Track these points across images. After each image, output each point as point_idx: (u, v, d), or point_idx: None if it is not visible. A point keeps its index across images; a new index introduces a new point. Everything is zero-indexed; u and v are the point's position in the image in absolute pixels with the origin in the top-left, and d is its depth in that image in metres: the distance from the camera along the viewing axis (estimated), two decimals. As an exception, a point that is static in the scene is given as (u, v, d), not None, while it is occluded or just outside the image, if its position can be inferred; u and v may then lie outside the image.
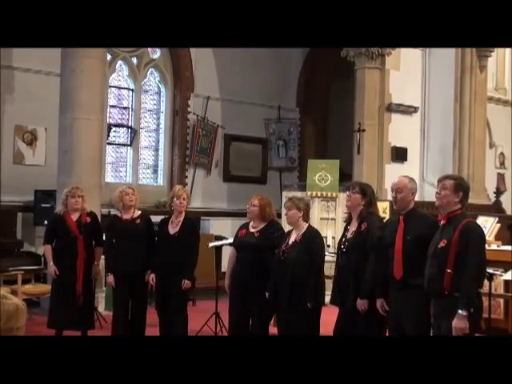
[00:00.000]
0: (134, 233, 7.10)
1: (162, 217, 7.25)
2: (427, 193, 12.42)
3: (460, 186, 4.83)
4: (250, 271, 6.21)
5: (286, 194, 10.87)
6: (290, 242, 6.00)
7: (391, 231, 5.19)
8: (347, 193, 5.71)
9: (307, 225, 6.07)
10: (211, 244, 9.01)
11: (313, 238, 5.97)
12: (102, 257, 7.63)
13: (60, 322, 7.31)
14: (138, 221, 7.19)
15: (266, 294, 6.08)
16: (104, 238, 7.51)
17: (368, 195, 5.61)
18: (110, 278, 7.19)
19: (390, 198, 11.71)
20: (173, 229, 6.88)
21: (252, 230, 6.39)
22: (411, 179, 5.33)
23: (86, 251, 7.32)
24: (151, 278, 6.95)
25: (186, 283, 6.69)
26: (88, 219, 7.40)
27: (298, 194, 9.48)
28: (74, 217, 7.36)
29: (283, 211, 10.65)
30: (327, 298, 6.08)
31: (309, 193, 10.60)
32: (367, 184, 6.07)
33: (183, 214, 6.91)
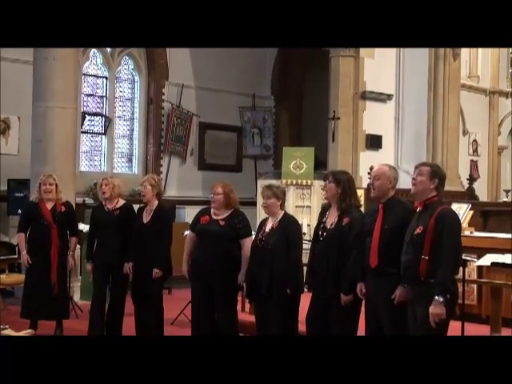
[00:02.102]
0: (111, 223, 7.04)
1: (137, 206, 7.21)
2: (402, 180, 12.44)
3: (436, 173, 4.86)
4: (214, 259, 6.15)
5: (261, 182, 10.89)
6: (267, 230, 5.99)
7: (371, 220, 5.18)
8: (324, 183, 5.69)
9: (283, 212, 6.06)
10: (186, 232, 8.99)
11: (290, 225, 5.96)
12: (78, 246, 7.59)
13: (34, 312, 7.27)
14: (118, 212, 7.12)
15: (244, 285, 6.08)
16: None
17: (342, 183, 5.56)
18: (88, 267, 7.18)
19: (364, 185, 11.83)
20: (146, 218, 6.83)
21: (215, 217, 6.32)
22: (392, 167, 5.30)
23: (60, 240, 7.27)
24: (128, 267, 6.92)
25: (156, 272, 6.61)
26: (63, 208, 7.35)
27: (273, 182, 9.49)
28: (49, 205, 7.31)
29: (258, 199, 10.71)
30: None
31: (284, 181, 10.62)
32: (343, 171, 6.01)
33: (155, 202, 6.84)
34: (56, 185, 7.33)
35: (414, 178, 4.87)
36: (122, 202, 7.21)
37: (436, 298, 4.55)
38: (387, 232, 5.02)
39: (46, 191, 7.27)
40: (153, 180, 6.90)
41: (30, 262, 7.25)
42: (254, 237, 6.21)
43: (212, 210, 6.37)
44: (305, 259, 6.10)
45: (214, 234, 6.23)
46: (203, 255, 6.26)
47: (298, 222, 6.19)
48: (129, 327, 6.94)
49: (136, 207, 7.20)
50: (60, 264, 7.27)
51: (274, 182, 9.80)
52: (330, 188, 5.58)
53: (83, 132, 12.91)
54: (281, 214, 6.03)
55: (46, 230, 7.22)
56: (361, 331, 5.50)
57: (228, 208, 6.32)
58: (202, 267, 6.25)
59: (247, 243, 6.27)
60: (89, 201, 11.49)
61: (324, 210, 5.76)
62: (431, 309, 4.57)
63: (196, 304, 6.40)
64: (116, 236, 7.01)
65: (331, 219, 5.60)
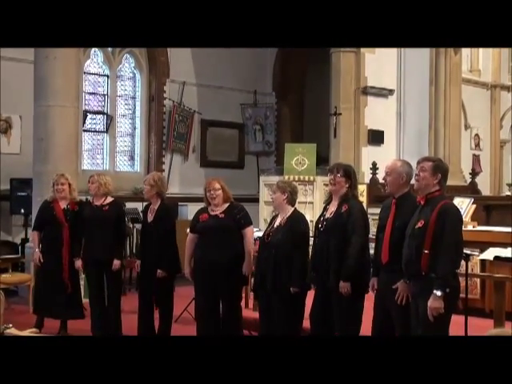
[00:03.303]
0: (101, 219, 7.03)
1: (140, 203, 7.22)
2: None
3: (438, 168, 4.85)
4: (218, 254, 6.17)
5: (263, 179, 10.92)
6: (275, 226, 5.98)
7: (385, 215, 5.17)
8: (330, 176, 5.63)
9: (293, 209, 6.03)
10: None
11: (297, 222, 5.94)
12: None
13: (46, 311, 7.29)
14: (107, 207, 7.12)
15: (249, 276, 6.09)
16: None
17: (351, 177, 5.60)
18: (78, 263, 7.18)
19: (366, 181, 11.83)
20: (150, 217, 6.83)
21: (214, 212, 6.36)
22: (405, 163, 5.24)
23: (72, 240, 7.27)
24: (136, 264, 6.95)
25: (160, 273, 6.59)
26: (76, 208, 7.35)
27: (276, 179, 9.48)
28: (62, 205, 7.33)
29: (261, 196, 10.71)
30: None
31: (286, 177, 10.61)
32: (349, 165, 6.01)
33: (158, 201, 6.82)
34: (69, 184, 7.36)
35: (416, 174, 4.87)
36: (110, 198, 7.21)
37: (435, 291, 4.56)
38: (398, 229, 5.00)
39: (59, 191, 7.31)
40: (152, 180, 6.84)
41: (42, 261, 7.28)
42: (254, 227, 6.23)
43: (209, 208, 6.40)
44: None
45: (215, 227, 6.26)
46: (207, 251, 6.26)
47: (306, 219, 6.13)
48: (130, 326, 6.96)
49: (138, 205, 7.21)
50: (72, 264, 7.27)
51: (276, 178, 9.80)
52: (339, 181, 5.56)
53: (85, 130, 12.93)
54: (290, 210, 6.00)
55: (58, 230, 7.25)
56: (363, 328, 5.52)
57: (226, 202, 6.36)
58: (205, 264, 6.26)
59: (248, 233, 6.31)
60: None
61: (326, 206, 5.77)
62: (430, 302, 4.58)
63: (201, 303, 6.40)
64: (106, 232, 7.00)
65: (331, 209, 5.61)
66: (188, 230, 6.64)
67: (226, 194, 6.37)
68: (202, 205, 6.63)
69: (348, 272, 5.35)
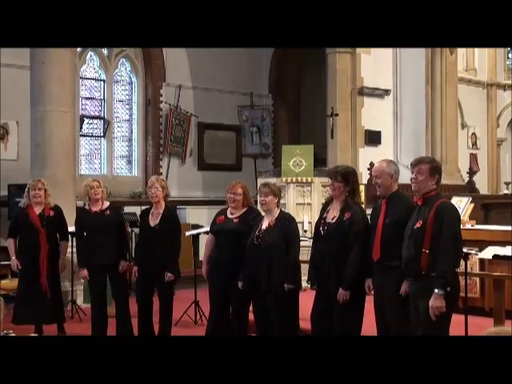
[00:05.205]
0: (105, 225, 6.98)
1: (138, 207, 7.18)
2: (402, 175, 12.46)
3: (435, 169, 4.88)
4: (230, 256, 6.19)
5: (261, 181, 10.88)
6: (264, 228, 5.99)
7: (375, 215, 5.23)
8: (330, 181, 5.61)
9: (279, 210, 6.09)
10: (188, 233, 9.01)
11: (287, 222, 5.98)
12: (69, 250, 7.54)
13: (25, 317, 7.22)
14: (108, 212, 7.07)
15: (240, 284, 6.08)
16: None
17: (350, 182, 5.54)
18: (84, 273, 7.07)
19: (364, 181, 11.83)
20: (153, 221, 6.78)
21: (231, 216, 6.38)
22: (390, 162, 5.32)
23: (50, 245, 7.21)
24: (134, 270, 6.89)
25: (169, 276, 6.62)
26: (51, 213, 7.28)
27: (274, 180, 9.49)
28: (37, 210, 7.25)
29: (259, 198, 10.70)
30: (304, 283, 6.15)
31: (284, 178, 10.62)
32: (347, 167, 5.91)
33: (163, 204, 6.81)
34: (45, 189, 7.28)
35: (414, 178, 4.87)
36: (106, 203, 7.17)
37: (436, 291, 4.57)
38: (389, 226, 5.05)
39: (35, 196, 7.22)
40: (162, 181, 6.89)
41: (20, 267, 7.23)
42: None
43: (228, 210, 6.42)
44: (305, 257, 6.10)
45: (228, 231, 6.29)
46: (220, 253, 6.31)
47: (294, 219, 6.20)
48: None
49: (135, 209, 7.18)
50: (51, 268, 7.22)
51: (274, 180, 9.82)
52: (338, 187, 5.52)
53: (82, 135, 12.93)
54: (277, 211, 6.04)
55: (35, 235, 7.17)
56: (364, 328, 5.52)
57: (245, 206, 6.39)
58: (219, 265, 6.30)
59: None
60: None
61: (325, 205, 5.74)
62: (431, 302, 4.59)
63: (216, 304, 6.41)
64: (111, 236, 6.96)
65: (332, 214, 5.57)
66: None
67: (246, 199, 6.39)
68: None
69: (348, 281, 5.34)
